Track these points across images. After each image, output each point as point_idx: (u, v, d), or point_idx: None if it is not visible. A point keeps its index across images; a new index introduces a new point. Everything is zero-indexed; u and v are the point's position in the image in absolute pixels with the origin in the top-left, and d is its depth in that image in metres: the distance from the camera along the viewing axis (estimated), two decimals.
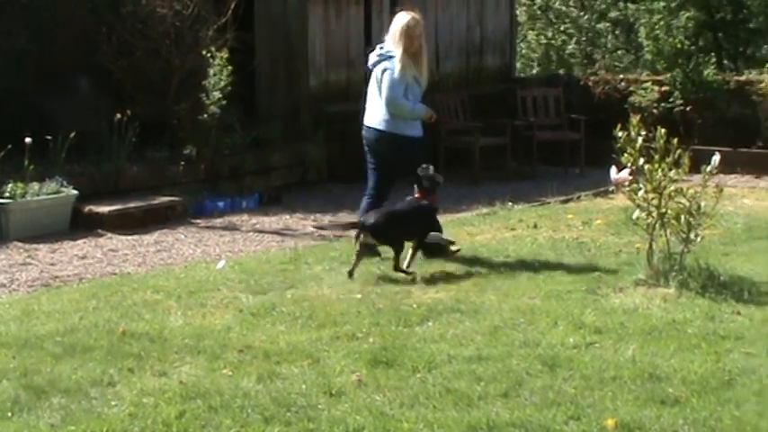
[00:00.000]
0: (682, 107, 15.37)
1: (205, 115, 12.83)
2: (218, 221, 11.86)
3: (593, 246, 9.70)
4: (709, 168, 7.85)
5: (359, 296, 7.87)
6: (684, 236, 7.89)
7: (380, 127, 9.16)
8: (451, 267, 8.78)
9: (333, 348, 6.61)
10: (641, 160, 7.88)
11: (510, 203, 12.26)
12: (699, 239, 7.96)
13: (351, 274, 8.44)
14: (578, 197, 12.95)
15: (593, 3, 23.80)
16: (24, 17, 12.93)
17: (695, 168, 7.97)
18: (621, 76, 16.92)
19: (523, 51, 23.37)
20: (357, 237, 8.61)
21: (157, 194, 12.12)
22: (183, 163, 12.76)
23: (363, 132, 9.32)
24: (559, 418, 5.45)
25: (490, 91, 16.56)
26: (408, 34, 9.08)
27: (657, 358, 6.35)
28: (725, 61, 21.02)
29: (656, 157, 7.84)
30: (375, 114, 9.21)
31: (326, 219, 12.05)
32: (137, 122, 12.15)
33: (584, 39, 23.29)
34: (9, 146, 10.93)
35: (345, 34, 14.85)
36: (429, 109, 9.38)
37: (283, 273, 8.76)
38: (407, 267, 8.54)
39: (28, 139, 11.04)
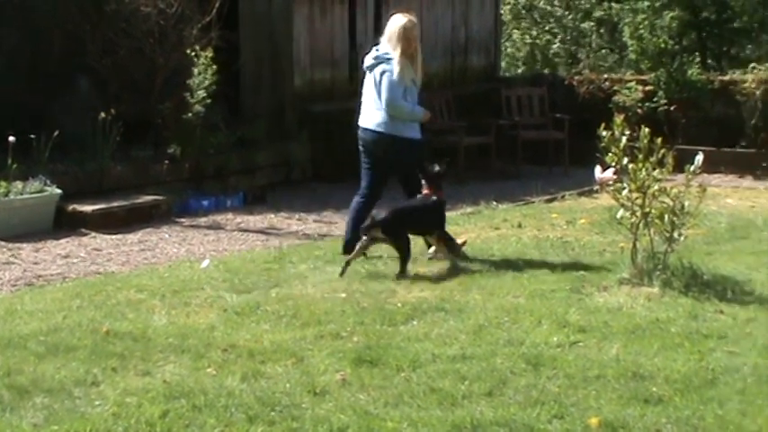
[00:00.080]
0: (666, 107, 15.42)
1: (190, 114, 12.81)
2: (202, 221, 11.84)
3: (577, 245, 9.72)
4: (692, 168, 7.87)
5: (343, 295, 7.86)
6: (668, 235, 7.91)
7: (379, 129, 9.15)
8: (436, 266, 8.79)
9: (317, 347, 6.61)
10: (625, 160, 7.90)
11: (494, 203, 12.28)
12: (682, 239, 7.98)
13: (347, 264, 8.47)
14: (563, 196, 12.98)
15: (577, 2, 23.82)
16: (17, 17, 12.88)
17: (679, 168, 7.99)
18: (606, 75, 16.96)
19: (509, 50, 23.39)
20: (366, 231, 8.62)
21: (142, 193, 12.10)
22: (167, 162, 12.74)
23: (360, 134, 9.31)
24: (543, 416, 5.46)
25: (475, 90, 16.58)
26: (406, 36, 9.09)
27: (641, 357, 6.36)
28: (709, 61, 21.05)
29: (640, 156, 7.85)
30: (373, 116, 9.20)
31: (311, 218, 12.04)
32: (121, 121, 12.12)
33: (568, 38, 23.33)
34: None
35: (330, 34, 14.84)
36: (427, 111, 9.44)
37: (268, 272, 8.75)
38: (436, 255, 8.82)
39: (11, 138, 11.01)
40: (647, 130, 7.87)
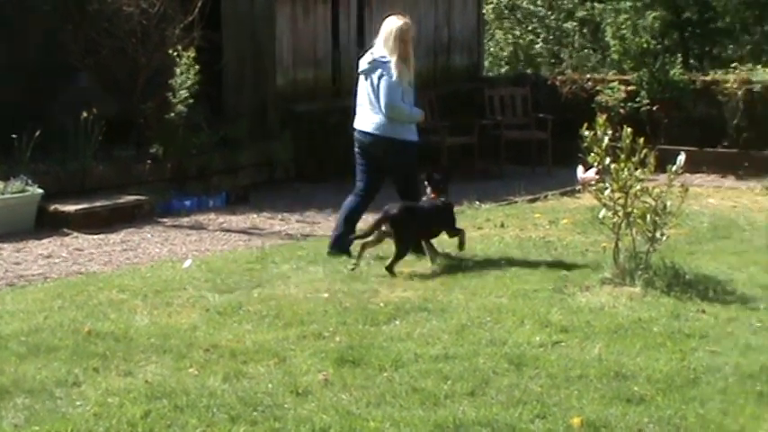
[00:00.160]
0: (648, 107, 15.45)
1: (172, 114, 12.79)
2: (184, 221, 11.82)
3: (559, 245, 9.73)
4: (674, 168, 7.89)
5: (326, 295, 7.86)
6: (650, 235, 7.93)
7: (377, 132, 9.15)
8: (419, 266, 8.79)
9: (299, 347, 6.60)
10: (607, 160, 7.91)
11: (477, 203, 12.27)
12: (664, 238, 8.00)
13: (359, 257, 8.63)
14: (545, 196, 12.99)
15: (560, 2, 23.87)
16: None
17: (661, 168, 8.02)
18: (588, 75, 17.01)
19: (492, 50, 23.41)
20: (377, 225, 8.65)
21: (124, 193, 12.07)
22: (149, 162, 12.71)
23: (356, 137, 9.31)
24: (526, 416, 5.46)
25: (458, 90, 16.60)
26: (402, 39, 9.10)
27: (623, 357, 6.37)
28: (691, 61, 21.16)
29: (623, 156, 7.87)
30: (370, 119, 9.19)
31: (294, 218, 12.03)
32: (103, 121, 12.08)
33: (551, 38, 23.37)
34: None
35: (313, 33, 14.83)
36: (423, 112, 9.49)
37: (250, 272, 8.74)
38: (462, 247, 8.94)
39: None
40: (629, 129, 7.88)
